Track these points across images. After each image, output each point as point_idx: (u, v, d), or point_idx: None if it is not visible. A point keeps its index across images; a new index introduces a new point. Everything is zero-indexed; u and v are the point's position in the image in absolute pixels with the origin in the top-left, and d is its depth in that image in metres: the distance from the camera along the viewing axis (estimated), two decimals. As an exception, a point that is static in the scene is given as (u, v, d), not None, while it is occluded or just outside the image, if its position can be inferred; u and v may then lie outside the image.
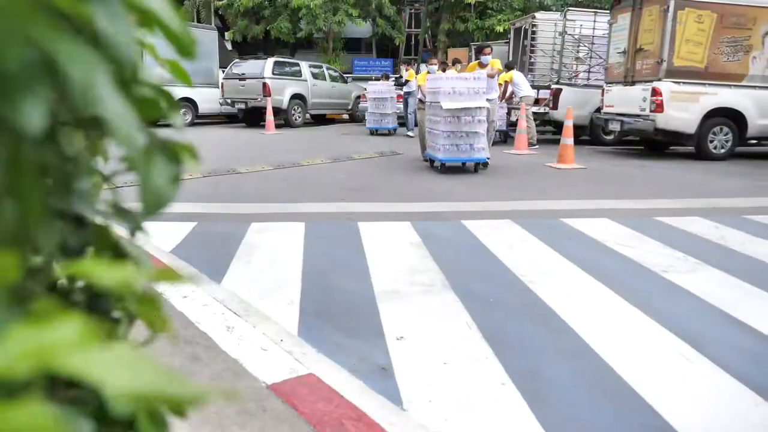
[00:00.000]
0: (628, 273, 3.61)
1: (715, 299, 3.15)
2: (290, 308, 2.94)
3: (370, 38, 26.36)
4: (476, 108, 7.12)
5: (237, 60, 17.16)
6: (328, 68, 18.24)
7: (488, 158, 7.64)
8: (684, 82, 9.27)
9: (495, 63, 8.32)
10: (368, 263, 3.67)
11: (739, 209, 5.62)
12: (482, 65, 8.24)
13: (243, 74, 15.82)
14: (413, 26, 26.92)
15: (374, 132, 13.78)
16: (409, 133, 12.88)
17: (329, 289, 3.25)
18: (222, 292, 3.07)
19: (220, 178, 6.93)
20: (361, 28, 23.17)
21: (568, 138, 8.48)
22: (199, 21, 24.60)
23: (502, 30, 19.46)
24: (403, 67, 15.87)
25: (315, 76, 16.99)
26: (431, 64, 9.22)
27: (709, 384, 2.25)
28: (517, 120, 10.70)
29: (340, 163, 8.54)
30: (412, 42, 27.04)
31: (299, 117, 16.28)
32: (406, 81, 13.48)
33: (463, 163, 7.60)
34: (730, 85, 9.42)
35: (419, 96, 8.78)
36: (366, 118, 14.14)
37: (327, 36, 22.44)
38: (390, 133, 13.75)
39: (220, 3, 22.12)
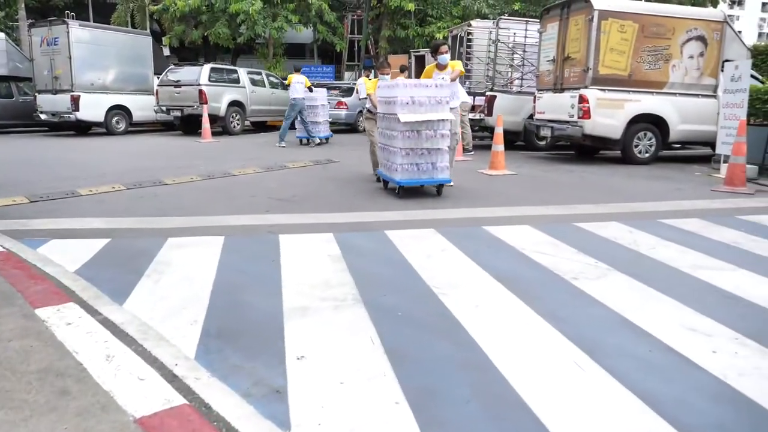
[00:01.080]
0: (540, 281, 3.67)
1: (619, 305, 3.23)
2: (192, 329, 2.84)
3: (312, 44, 26.22)
4: (439, 121, 6.13)
5: (172, 66, 16.73)
6: (268, 75, 18.03)
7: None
8: (609, 90, 9.59)
9: (456, 64, 7.21)
10: (282, 278, 3.60)
11: (656, 213, 5.83)
12: (440, 67, 7.02)
13: (178, 81, 15.42)
14: (356, 32, 26.96)
15: (304, 141, 13.05)
16: (282, 144, 12.47)
17: (237, 306, 3.16)
18: (122, 314, 2.94)
19: (144, 190, 6.70)
20: (303, 34, 23.03)
21: (498, 145, 8.63)
22: (133, 26, 23.90)
23: (441, 37, 19.68)
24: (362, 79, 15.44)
25: (254, 82, 16.75)
26: (384, 72, 7.66)
27: (598, 393, 2.29)
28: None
29: (273, 172, 8.41)
30: (356, 48, 27.06)
31: (238, 124, 16.00)
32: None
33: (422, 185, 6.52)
34: (652, 92, 9.79)
35: (368, 106, 7.70)
36: (296, 126, 13.19)
37: (267, 42, 22.16)
38: (322, 142, 13.14)
39: (155, 8, 21.53)
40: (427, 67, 7.03)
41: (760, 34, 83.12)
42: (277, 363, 2.50)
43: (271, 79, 17.86)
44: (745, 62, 8.43)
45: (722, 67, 9.71)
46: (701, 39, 9.92)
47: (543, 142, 12.10)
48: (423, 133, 6.12)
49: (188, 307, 3.12)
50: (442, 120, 6.16)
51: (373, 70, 22.59)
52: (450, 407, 2.18)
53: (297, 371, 2.42)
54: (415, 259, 4.05)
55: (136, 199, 6.17)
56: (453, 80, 6.94)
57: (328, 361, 2.52)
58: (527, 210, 5.82)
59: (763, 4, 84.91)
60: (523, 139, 12.25)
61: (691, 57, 9.91)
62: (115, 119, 15.62)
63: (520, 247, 4.39)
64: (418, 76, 16.94)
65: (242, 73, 16.47)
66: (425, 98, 6.04)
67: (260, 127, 18.06)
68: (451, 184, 6.60)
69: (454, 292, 3.39)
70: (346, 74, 27.42)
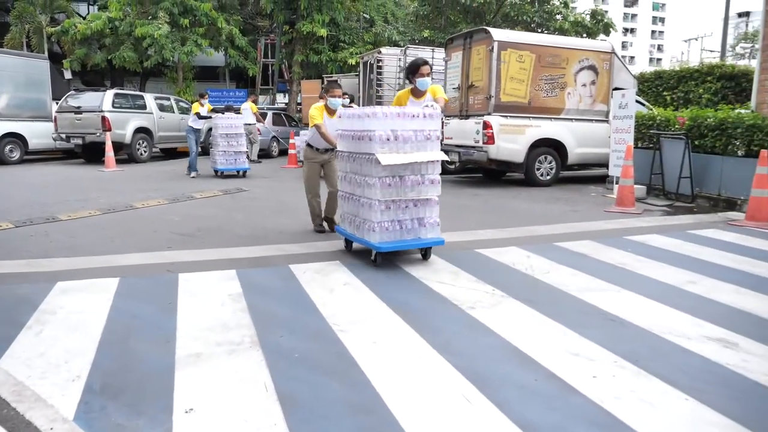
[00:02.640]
0: (438, 312, 3.76)
1: (510, 334, 3.36)
2: (74, 386, 2.69)
3: (224, 67, 25.81)
4: (428, 162, 4.77)
5: (73, 91, 15.95)
6: (177, 100, 17.58)
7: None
8: (511, 116, 10.05)
9: (438, 90, 5.45)
10: (177, 323, 3.48)
11: (552, 236, 6.13)
12: (417, 93, 5.30)
13: (79, 107, 14.73)
14: (269, 56, 26.82)
15: (222, 174, 11.73)
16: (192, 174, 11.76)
17: (125, 357, 3.02)
18: (-6, 373, 2.73)
19: (34, 228, 6.30)
20: (215, 56, 22.62)
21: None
22: (29, 48, 22.62)
23: (353, 62, 19.95)
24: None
25: (162, 108, 16.27)
26: (334, 95, 5.98)
27: (483, 426, 2.36)
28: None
29: (179, 204, 8.15)
30: (270, 71, 26.90)
31: (145, 152, 15.44)
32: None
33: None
34: (550, 118, 10.37)
35: (308, 139, 6.24)
36: (213, 158, 11.85)
37: (177, 66, 21.61)
38: (243, 174, 11.93)
39: (53, 29, 20.49)
40: (399, 93, 5.47)
41: (651, 59, 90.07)
42: (164, 418, 2.40)
43: (181, 104, 17.42)
44: (631, 91, 9.10)
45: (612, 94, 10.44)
46: (593, 68, 10.63)
47: (452, 166, 12.45)
48: (408, 179, 4.70)
49: (71, 361, 2.94)
50: (432, 162, 4.80)
51: (272, 94, 22.32)
52: (339, 454, 2.18)
53: (184, 426, 2.34)
54: (317, 295, 4.03)
55: (23, 239, 5.79)
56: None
57: (218, 413, 2.45)
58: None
59: (653, 32, 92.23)
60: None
61: (584, 85, 10.60)
62: (8, 148, 14.64)
63: (421, 277, 4.49)
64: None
65: (149, 99, 15.96)
66: (411, 132, 4.60)
67: (170, 154, 17.52)
68: (444, 244, 5.06)
69: (353, 329, 3.40)
70: (260, 98, 27.19)
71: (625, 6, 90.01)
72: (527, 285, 4.38)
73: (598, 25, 21.12)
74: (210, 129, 16.96)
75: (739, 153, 7.96)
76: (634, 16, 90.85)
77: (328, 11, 21.08)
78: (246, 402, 2.54)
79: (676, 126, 8.83)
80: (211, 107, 12.17)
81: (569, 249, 5.59)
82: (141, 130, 15.31)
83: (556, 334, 3.38)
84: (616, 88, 10.42)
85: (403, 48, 13.29)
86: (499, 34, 9.99)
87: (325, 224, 6.27)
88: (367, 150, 4.67)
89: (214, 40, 21.15)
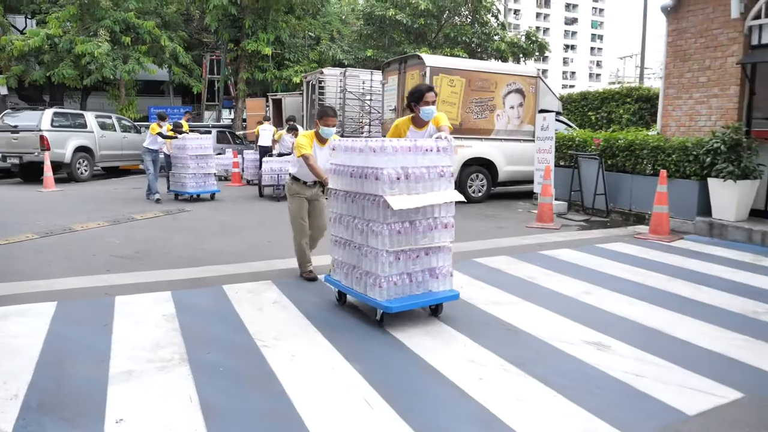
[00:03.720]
0: (354, 328, 4.16)
1: (419, 348, 3.79)
2: (11, 404, 2.94)
3: (168, 82, 25.68)
4: (442, 204, 4.17)
5: (9, 110, 15.69)
6: (119, 118, 17.51)
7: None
8: (444, 137, 10.60)
9: (441, 118, 4.57)
10: (112, 344, 3.76)
11: (474, 252, 6.64)
12: (419, 123, 4.64)
13: (16, 126, 14.53)
14: (215, 71, 26.82)
15: (192, 197, 11.13)
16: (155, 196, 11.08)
17: (61, 377, 3.29)
18: (-65, 396, 2.97)
19: (-30, 254, 6.38)
20: (159, 72, 22.51)
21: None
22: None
23: (298, 81, 20.29)
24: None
25: (104, 126, 16.20)
26: (328, 123, 5.17)
27: (380, 428, 2.77)
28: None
29: (119, 225, 8.30)
30: (216, 87, 26.90)
31: (86, 171, 15.33)
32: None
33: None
34: (481, 139, 11.00)
35: (294, 172, 5.45)
36: (180, 180, 11.18)
37: (119, 83, 21.43)
38: (212, 197, 11.43)
39: (-13, 46, 20.02)
40: (397, 121, 4.74)
41: (590, 75, 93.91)
42: (97, 428, 2.70)
43: (124, 122, 17.37)
44: (551, 114, 9.81)
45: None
46: (520, 92, 11.34)
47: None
48: (419, 224, 4.09)
49: (9, 382, 3.19)
50: (447, 203, 4.19)
51: (218, 110, 22.10)
52: (250, 453, 2.54)
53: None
54: (246, 314, 4.38)
55: (-40, 265, 5.88)
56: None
57: (145, 422, 2.76)
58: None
59: (592, 48, 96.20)
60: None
61: (512, 107, 11.29)
62: (-61, 168, 14.29)
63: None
64: (277, 119, 17.40)
65: (90, 118, 15.87)
66: (424, 170, 3.99)
67: (113, 173, 17.41)
68: (459, 298, 4.47)
69: (276, 344, 3.77)
70: (206, 113, 27.15)
71: (566, 24, 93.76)
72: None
73: (532, 46, 22.21)
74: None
75: (648, 171, 8.72)
76: (574, 33, 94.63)
77: (273, 30, 21.37)
78: (171, 412, 2.87)
79: (592, 146, 9.57)
80: (171, 127, 11.49)
81: (486, 264, 6.11)
82: (81, 149, 15.20)
83: (458, 345, 3.84)
84: (542, 110, 11.16)
85: (343, 71, 13.73)
86: (430, 60, 10.58)
87: (312, 267, 5.54)
88: (371, 191, 3.96)
89: (157, 58, 21.09)
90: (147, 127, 19.11)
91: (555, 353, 3.72)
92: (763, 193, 7.88)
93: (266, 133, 13.28)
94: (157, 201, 10.88)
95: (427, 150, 4.05)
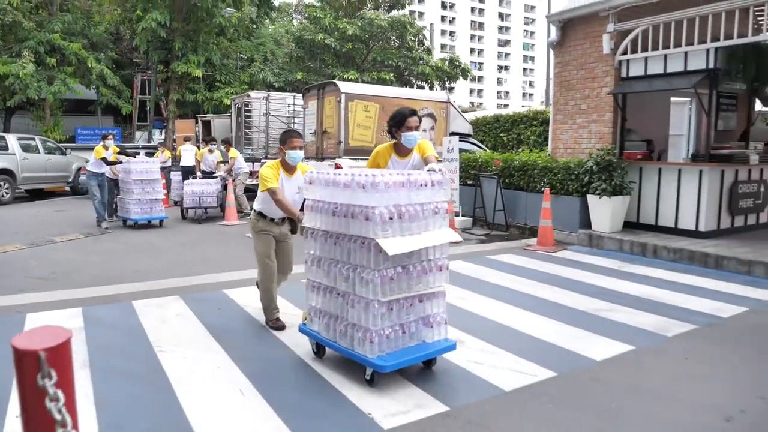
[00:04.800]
0: (246, 332, 4.71)
1: (297, 346, 4.37)
2: None
3: (97, 103, 25.44)
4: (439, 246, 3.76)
5: (-76, 133, 15.37)
6: (44, 140, 17.36)
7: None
8: (360, 158, 11.30)
9: (427, 147, 4.32)
10: (19, 354, 4.15)
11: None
12: (402, 151, 4.31)
13: (-69, 149, 14.28)
14: (147, 92, 26.76)
15: (136, 224, 10.62)
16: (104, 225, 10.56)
17: (-31, 383, 3.68)
18: None
19: None
20: (85, 92, 22.33)
21: (262, 211, 9.73)
22: None
23: (228, 103, 20.66)
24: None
25: (26, 148, 16.05)
26: (293, 146, 4.61)
27: (247, 410, 3.33)
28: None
29: (38, 248, 8.50)
30: (147, 107, 26.82)
31: (7, 193, 15.17)
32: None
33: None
34: (396, 160, 11.74)
35: (260, 208, 4.81)
36: (127, 206, 10.63)
37: (44, 104, 21.17)
38: (160, 224, 10.93)
39: None
40: (377, 149, 4.36)
41: (524, 95, 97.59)
42: (-2, 423, 3.15)
43: (48, 144, 17.25)
44: (455, 138, 10.66)
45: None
46: (431, 116, 12.20)
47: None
48: (413, 269, 3.65)
49: None
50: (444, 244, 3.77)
51: (148, 131, 21.88)
52: (132, 434, 3.05)
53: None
54: (150, 325, 4.84)
55: None
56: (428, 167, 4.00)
57: (43, 416, 3.22)
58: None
59: (524, 69, 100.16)
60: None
61: (425, 130, 12.11)
62: None
63: (244, 305, 5.42)
64: (207, 138, 17.67)
65: (11, 140, 15.73)
66: (418, 207, 3.56)
67: (37, 195, 17.21)
68: (456, 348, 3.97)
69: (173, 350, 4.26)
70: (137, 134, 26.98)
71: (499, 45, 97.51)
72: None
73: (455, 70, 23.41)
74: (79, 168, 16.98)
75: (539, 189, 9.66)
76: (507, 54, 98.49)
77: (203, 52, 21.66)
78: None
79: (493, 167, 10.47)
80: (118, 149, 11.05)
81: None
82: (2, 172, 15.05)
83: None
84: (453, 133, 12.04)
85: (266, 94, 14.28)
86: (346, 86, 11.30)
87: (279, 314, 4.91)
88: (360, 232, 3.47)
89: (84, 79, 21.00)
90: (74, 149, 19.14)
91: (415, 348, 4.37)
92: (635, 207, 8.91)
93: (188, 154, 13.57)
94: (105, 229, 10.31)
95: (421, 185, 3.57)
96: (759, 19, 7.67)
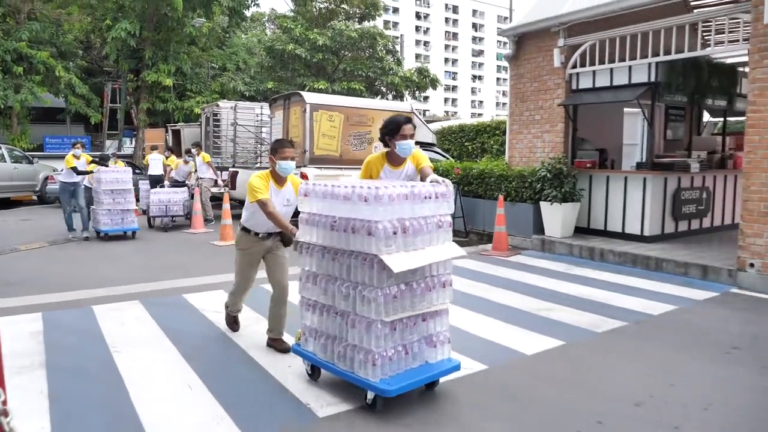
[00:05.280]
0: (198, 335, 4.93)
1: (246, 343, 4.60)
2: None
3: (66, 112, 25.30)
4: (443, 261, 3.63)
5: None
6: (10, 149, 17.29)
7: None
8: (325, 167, 11.58)
9: (421, 157, 4.13)
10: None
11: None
12: (395, 161, 4.11)
13: None
14: (117, 101, 26.67)
15: (107, 235, 10.23)
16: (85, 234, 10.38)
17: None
18: None
19: None
20: (54, 100, 22.22)
21: (227, 219, 9.94)
22: None
23: (200, 112, 20.76)
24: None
25: (-8, 158, 15.98)
26: (285, 156, 4.36)
27: (193, 402, 3.56)
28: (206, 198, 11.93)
29: (2, 256, 8.58)
30: (118, 116, 26.71)
31: (-28, 203, 15.08)
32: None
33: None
34: (360, 168, 12.01)
35: (249, 224, 4.53)
36: (97, 217, 10.24)
37: (11, 112, 21.02)
38: (132, 235, 10.53)
39: None
40: (368, 159, 4.21)
41: (497, 104, 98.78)
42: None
43: (15, 153, 17.18)
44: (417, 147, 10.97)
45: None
46: (395, 125, 12.51)
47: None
48: (417, 286, 3.48)
49: None
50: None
51: (119, 139, 21.82)
52: (86, 428, 3.26)
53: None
54: (107, 328, 5.03)
55: None
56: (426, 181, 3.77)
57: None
58: (226, 276, 7.01)
59: (497, 79, 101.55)
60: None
61: (389, 139, 12.42)
62: None
63: (202, 309, 5.64)
64: (176, 150, 17.77)
65: (-23, 149, 15.65)
66: (422, 221, 3.41)
67: (4, 204, 17.09)
68: (460, 369, 3.82)
69: (128, 351, 4.47)
70: (107, 142, 26.85)
71: (473, 56, 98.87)
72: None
73: (425, 81, 23.87)
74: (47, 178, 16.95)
75: (496, 196, 10.02)
76: (481, 64, 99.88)
77: (174, 61, 21.75)
78: (20, 403, 3.53)
79: (453, 175, 10.82)
80: (90, 158, 10.71)
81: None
82: (-33, 181, 14.98)
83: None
84: (417, 142, 12.35)
85: (234, 104, 14.48)
86: (310, 97, 11.58)
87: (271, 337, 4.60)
88: (361, 248, 3.30)
89: (53, 87, 20.91)
90: (42, 158, 19.05)
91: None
92: (586, 213, 9.33)
93: (156, 162, 13.69)
94: (73, 239, 10.19)
95: (426, 197, 3.42)
96: (706, 35, 8.17)
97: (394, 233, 3.24)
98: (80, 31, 23.62)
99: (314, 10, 24.86)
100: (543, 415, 3.45)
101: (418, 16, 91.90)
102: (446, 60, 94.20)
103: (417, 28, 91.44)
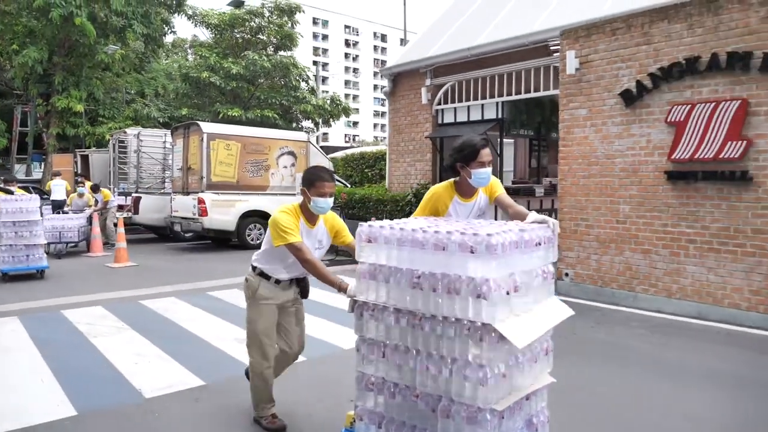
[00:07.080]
0: (66, 342, 5.61)
1: (105, 347, 5.33)
2: None
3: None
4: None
5: None
6: None
7: None
8: (222, 192, 12.33)
9: (497, 186, 3.48)
10: None
11: (209, 288, 8.29)
12: (467, 191, 3.43)
13: None
14: (27, 124, 26.30)
15: (7, 275, 8.90)
16: None
17: None
18: None
19: None
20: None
21: (121, 242, 10.52)
22: None
23: (108, 138, 20.97)
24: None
25: None
26: (323, 193, 3.41)
27: (42, 394, 4.28)
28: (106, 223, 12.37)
29: None
30: (26, 140, 26.33)
31: None
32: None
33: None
34: (257, 193, 12.86)
35: (261, 265, 3.58)
36: None
37: None
38: (41, 275, 9.22)
39: None
40: (435, 190, 3.49)
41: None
42: None
43: None
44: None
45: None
46: (292, 154, 13.46)
47: (188, 234, 14.35)
48: (522, 357, 2.62)
49: None
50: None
51: (28, 164, 21.65)
52: None
53: None
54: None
55: None
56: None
57: None
58: (107, 294, 7.72)
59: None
60: (170, 233, 14.34)
61: (286, 167, 13.35)
62: None
63: (76, 322, 6.29)
64: (85, 172, 17.96)
65: None
66: (532, 275, 2.66)
67: None
68: None
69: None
70: (16, 167, 26.40)
71: (375, 77, 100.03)
72: (150, 321, 6.40)
73: (337, 109, 24.98)
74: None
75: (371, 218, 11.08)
76: (383, 100, 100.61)
77: (86, 87, 21.86)
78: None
79: (339, 199, 11.83)
80: None
81: (214, 296, 7.80)
82: None
83: (147, 348, 5.43)
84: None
85: (138, 131, 15.01)
86: (207, 127, 12.36)
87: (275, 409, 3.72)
88: (463, 314, 2.43)
89: (-43, 111, 20.63)
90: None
91: (206, 347, 5.47)
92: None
93: (58, 188, 13.96)
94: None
95: (537, 244, 2.69)
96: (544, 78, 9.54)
97: (507, 293, 2.44)
98: (-12, 53, 23.34)
99: (231, 39, 25.56)
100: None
101: (347, 43, 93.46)
102: (347, 82, 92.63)
103: (346, 55, 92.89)
